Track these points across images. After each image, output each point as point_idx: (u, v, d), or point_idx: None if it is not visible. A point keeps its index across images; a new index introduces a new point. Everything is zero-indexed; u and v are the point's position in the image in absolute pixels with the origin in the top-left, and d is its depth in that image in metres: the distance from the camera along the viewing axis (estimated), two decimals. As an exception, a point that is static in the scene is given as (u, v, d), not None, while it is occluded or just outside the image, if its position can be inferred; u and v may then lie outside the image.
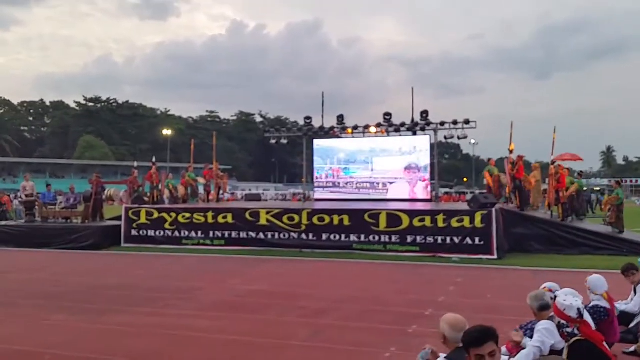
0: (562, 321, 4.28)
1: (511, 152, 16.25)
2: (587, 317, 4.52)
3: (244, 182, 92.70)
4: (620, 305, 6.00)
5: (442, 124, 21.87)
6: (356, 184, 22.40)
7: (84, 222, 17.63)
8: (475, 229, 13.42)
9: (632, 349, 5.46)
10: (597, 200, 35.18)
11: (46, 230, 17.33)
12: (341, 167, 22.69)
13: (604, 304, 5.29)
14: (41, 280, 10.96)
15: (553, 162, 15.24)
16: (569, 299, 4.29)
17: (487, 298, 8.77)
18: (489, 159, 21.02)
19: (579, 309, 4.18)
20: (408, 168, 21.50)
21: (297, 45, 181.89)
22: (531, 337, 4.43)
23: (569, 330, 4.27)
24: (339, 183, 22.69)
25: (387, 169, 21.88)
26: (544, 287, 5.07)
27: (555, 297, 4.74)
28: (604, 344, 4.28)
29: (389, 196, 21.55)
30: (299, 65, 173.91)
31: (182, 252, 15.25)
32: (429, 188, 21.44)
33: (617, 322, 5.50)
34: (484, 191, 25.48)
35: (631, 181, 73.99)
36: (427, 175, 21.43)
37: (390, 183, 21.71)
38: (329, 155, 22.98)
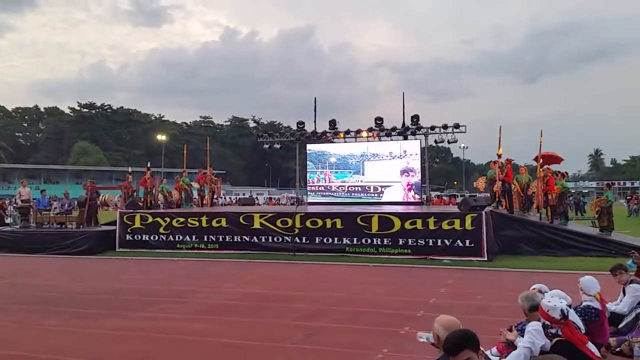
0: (547, 322, 4.38)
1: (499, 156, 16.36)
2: (575, 318, 4.61)
3: (237, 186, 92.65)
4: (610, 306, 6.08)
5: (433, 128, 22.19)
6: (347, 187, 22.59)
7: (78, 227, 17.64)
8: (465, 231, 13.56)
9: (619, 348, 5.54)
10: (580, 202, 35.29)
11: (41, 235, 17.33)
12: (332, 171, 22.87)
13: (596, 304, 5.35)
14: (36, 285, 10.99)
15: (542, 166, 15.33)
16: (553, 301, 4.36)
17: (478, 299, 8.86)
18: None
19: (562, 310, 4.25)
20: (403, 172, 21.71)
21: (289, 51, 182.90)
22: (522, 337, 4.51)
23: (553, 331, 4.35)
24: (330, 187, 22.86)
25: (378, 173, 22.10)
26: (534, 288, 5.14)
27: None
28: (588, 345, 4.34)
29: (381, 199, 21.75)
30: (291, 71, 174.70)
31: (177, 257, 15.25)
32: (412, 192, 21.59)
33: (608, 323, 5.60)
34: (478, 194, 25.64)
35: (619, 183, 74.80)
36: (417, 179, 21.64)
37: (382, 187, 21.91)
38: (321, 159, 23.16)
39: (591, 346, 4.41)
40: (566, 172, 19.80)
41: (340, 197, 22.54)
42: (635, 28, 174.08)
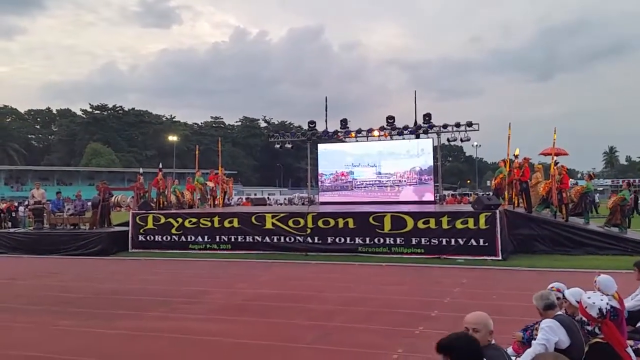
0: (584, 318, 4.29)
1: (516, 156, 16.17)
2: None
3: (249, 186, 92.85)
4: (627, 302, 6.01)
5: (445, 126, 22.07)
6: (364, 186, 22.53)
7: (91, 228, 17.75)
8: (479, 230, 13.45)
9: (638, 346, 5.46)
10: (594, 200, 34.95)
11: (55, 236, 17.47)
12: (348, 170, 22.82)
13: (614, 304, 5.26)
14: (50, 286, 11.07)
15: (556, 164, 15.14)
16: (593, 298, 4.28)
17: (493, 299, 8.78)
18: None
19: (600, 309, 4.16)
20: (413, 170, 21.64)
21: (299, 50, 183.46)
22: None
23: (589, 328, 4.27)
24: (346, 186, 22.82)
25: (395, 171, 22.00)
26: (552, 287, 5.07)
27: (563, 296, 4.80)
28: (627, 350, 4.22)
29: (397, 198, 21.66)
30: (301, 71, 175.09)
31: (189, 257, 15.32)
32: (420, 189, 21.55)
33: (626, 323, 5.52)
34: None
35: (634, 181, 74.12)
36: (430, 178, 21.55)
37: (398, 186, 21.83)
38: (337, 158, 23.10)
39: (630, 351, 4.30)
40: (594, 174, 19.56)
41: (357, 197, 22.47)
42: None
